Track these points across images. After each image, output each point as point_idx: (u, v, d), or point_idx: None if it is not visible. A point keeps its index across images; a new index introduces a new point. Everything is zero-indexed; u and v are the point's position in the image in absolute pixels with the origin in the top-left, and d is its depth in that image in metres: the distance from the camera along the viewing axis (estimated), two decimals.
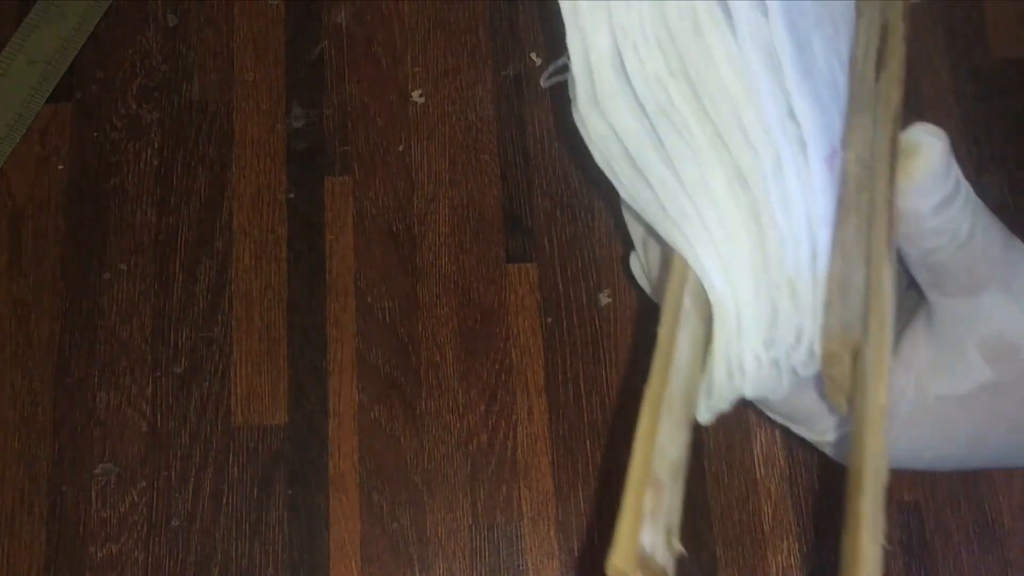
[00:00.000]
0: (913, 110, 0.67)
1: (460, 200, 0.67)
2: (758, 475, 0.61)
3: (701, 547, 0.61)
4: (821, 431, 0.37)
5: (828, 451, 0.38)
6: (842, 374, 0.28)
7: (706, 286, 0.30)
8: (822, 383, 0.29)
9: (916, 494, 0.61)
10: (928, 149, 0.30)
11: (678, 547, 0.26)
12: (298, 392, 0.64)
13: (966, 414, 0.32)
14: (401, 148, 0.68)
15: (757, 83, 0.28)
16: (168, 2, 0.71)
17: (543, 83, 0.35)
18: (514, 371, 0.64)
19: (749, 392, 0.30)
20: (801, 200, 0.29)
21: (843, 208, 0.30)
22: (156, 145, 0.68)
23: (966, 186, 0.31)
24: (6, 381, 0.64)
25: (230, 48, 0.70)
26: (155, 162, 0.68)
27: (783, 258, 0.29)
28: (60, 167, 0.68)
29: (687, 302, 0.29)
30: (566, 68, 0.31)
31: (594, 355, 0.64)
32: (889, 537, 0.29)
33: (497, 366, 0.64)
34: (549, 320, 0.64)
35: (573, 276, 0.65)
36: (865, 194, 0.30)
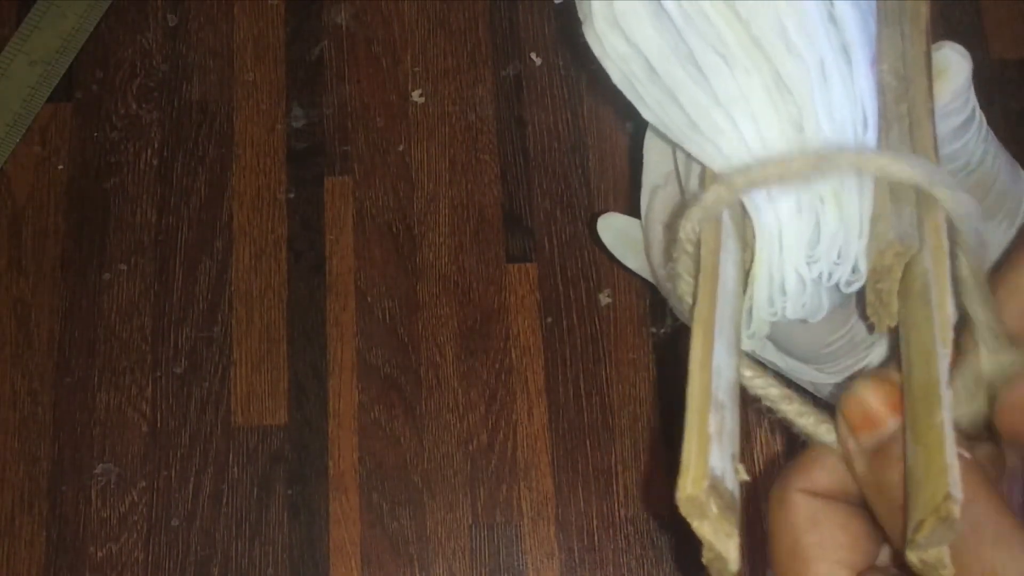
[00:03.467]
0: None
1: (460, 200, 0.67)
2: (758, 475, 0.61)
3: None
4: (835, 371, 0.37)
5: (825, 393, 0.37)
6: (890, 289, 0.27)
7: (746, 204, 0.28)
8: (859, 310, 0.28)
9: None
10: (956, 69, 0.30)
11: (743, 474, 0.25)
12: (298, 392, 0.64)
13: None
14: (401, 148, 0.68)
15: None
16: (168, 2, 0.71)
17: (555, 1, 0.33)
18: (514, 371, 0.64)
19: (791, 313, 0.29)
20: (847, 106, 0.28)
21: (884, 119, 0.28)
22: (156, 145, 0.68)
23: (980, 113, 0.31)
24: (6, 381, 0.64)
25: (230, 48, 0.70)
26: (155, 162, 0.68)
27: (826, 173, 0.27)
28: (60, 167, 0.68)
29: (727, 222, 0.27)
30: None
31: (594, 355, 0.64)
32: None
33: (497, 366, 0.64)
34: (549, 320, 0.64)
35: (573, 276, 0.65)
36: (903, 105, 0.28)
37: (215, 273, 0.66)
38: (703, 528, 0.24)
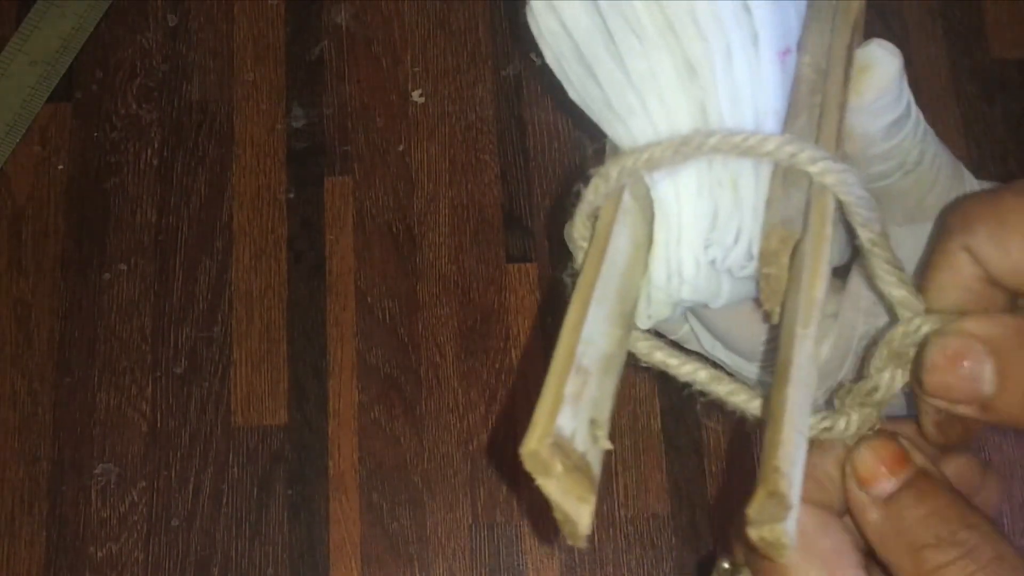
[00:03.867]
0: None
1: (460, 200, 0.67)
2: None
3: (701, 546, 0.61)
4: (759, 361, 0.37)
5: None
6: (779, 275, 0.27)
7: (648, 182, 0.29)
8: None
9: None
10: (881, 66, 0.30)
11: (606, 443, 0.25)
12: (298, 392, 0.64)
13: None
14: (401, 148, 0.68)
15: None
16: (168, 2, 0.71)
17: None
18: (514, 371, 0.64)
19: (688, 295, 0.29)
20: (750, 93, 0.28)
21: (793, 108, 0.29)
22: (156, 145, 0.68)
23: (917, 112, 0.31)
24: (6, 381, 0.64)
25: (230, 48, 0.70)
26: (155, 162, 0.68)
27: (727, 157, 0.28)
28: (60, 167, 0.68)
29: (628, 199, 0.28)
30: None
31: None
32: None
33: (497, 366, 0.64)
34: (549, 320, 0.64)
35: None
36: (817, 96, 0.29)
37: (215, 273, 0.66)
38: (548, 486, 0.24)
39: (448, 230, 0.66)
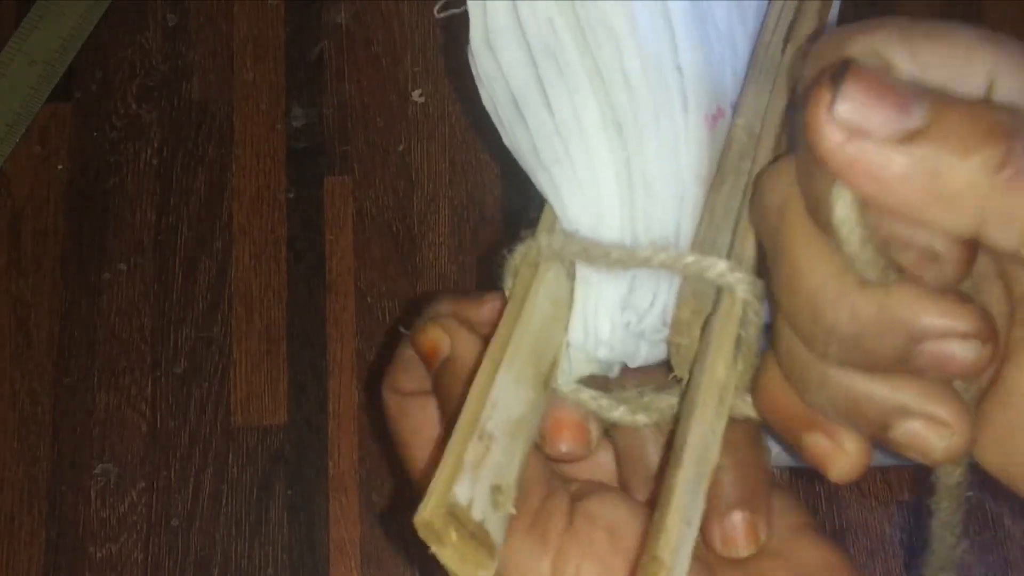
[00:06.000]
0: None
1: (460, 200, 0.67)
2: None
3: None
4: None
5: None
6: (689, 345, 0.28)
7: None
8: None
9: (916, 494, 0.61)
10: None
11: (509, 508, 0.25)
12: (298, 392, 0.64)
13: None
14: (401, 148, 0.68)
15: (641, 22, 0.27)
16: (168, 2, 0.71)
17: (436, 13, 0.34)
18: None
19: (605, 355, 0.29)
20: (674, 156, 0.28)
21: (720, 173, 0.29)
22: (156, 145, 0.68)
23: None
24: (6, 381, 0.64)
25: (230, 48, 0.70)
26: (155, 162, 0.68)
27: (650, 219, 0.28)
28: (60, 167, 0.68)
29: (551, 261, 0.28)
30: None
31: None
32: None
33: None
34: None
35: None
36: (746, 162, 0.29)
37: (215, 273, 0.66)
38: (443, 553, 0.24)
39: (448, 230, 0.66)
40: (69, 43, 0.70)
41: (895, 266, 0.21)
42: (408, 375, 0.33)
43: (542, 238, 0.29)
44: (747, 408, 0.27)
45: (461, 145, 0.68)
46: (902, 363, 0.22)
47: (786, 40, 0.31)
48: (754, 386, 0.27)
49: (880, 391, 0.23)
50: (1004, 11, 0.70)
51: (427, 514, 0.24)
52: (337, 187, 0.67)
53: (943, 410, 0.23)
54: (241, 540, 0.61)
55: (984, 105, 0.20)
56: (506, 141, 0.31)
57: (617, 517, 0.28)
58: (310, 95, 0.69)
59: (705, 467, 0.25)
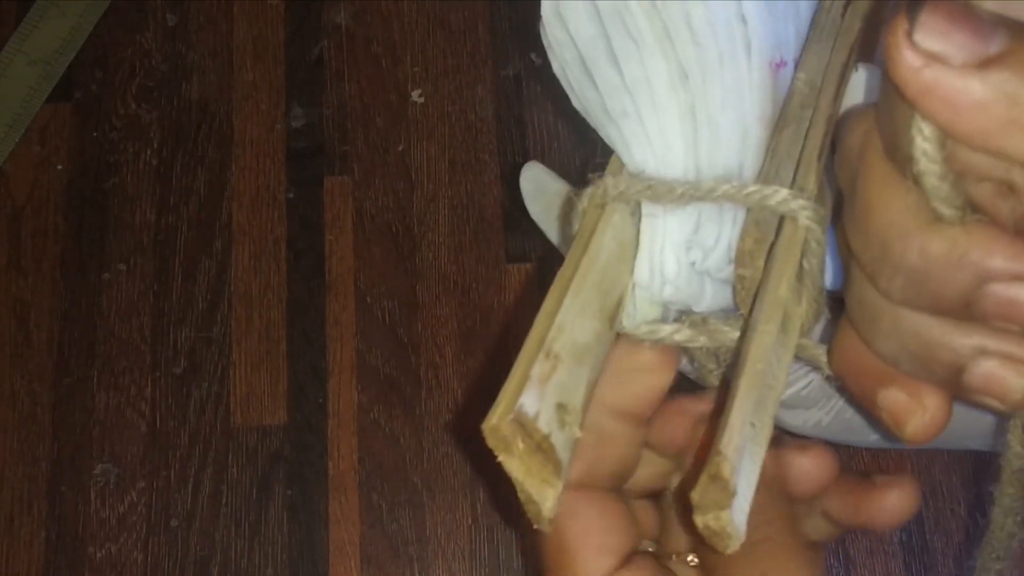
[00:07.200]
0: None
1: (460, 200, 0.67)
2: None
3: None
4: (827, 410, 0.38)
5: (827, 433, 0.38)
6: (752, 276, 0.28)
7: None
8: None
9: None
10: (860, 79, 0.32)
11: (575, 430, 0.26)
12: (298, 392, 0.64)
13: None
14: (401, 148, 0.68)
15: None
16: (168, 2, 0.71)
17: None
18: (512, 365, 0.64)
19: (670, 295, 0.30)
20: (737, 99, 0.29)
21: (783, 119, 0.30)
22: (155, 145, 0.68)
23: None
24: (6, 381, 0.64)
25: (230, 48, 0.70)
26: (155, 162, 0.68)
27: (713, 158, 0.29)
28: (60, 167, 0.68)
29: (617, 201, 0.29)
30: None
31: None
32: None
33: (497, 366, 0.64)
34: None
35: None
36: (808, 110, 0.30)
37: (215, 273, 0.66)
38: (510, 463, 0.25)
39: (448, 230, 0.66)
40: (69, 43, 0.70)
41: (970, 204, 0.21)
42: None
43: (608, 180, 0.29)
44: (823, 360, 0.28)
45: (461, 145, 0.68)
46: (966, 306, 0.21)
47: (847, 3, 0.33)
48: (831, 347, 0.27)
49: (953, 331, 0.22)
50: None
51: (495, 420, 0.25)
52: (337, 187, 0.67)
53: (1021, 349, 0.22)
54: (241, 540, 0.61)
55: None
56: (574, 102, 0.32)
57: None
58: (310, 95, 0.69)
59: (769, 390, 0.25)
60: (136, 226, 0.67)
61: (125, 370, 0.64)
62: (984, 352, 0.22)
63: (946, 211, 0.21)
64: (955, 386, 0.23)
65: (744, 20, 0.29)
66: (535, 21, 0.32)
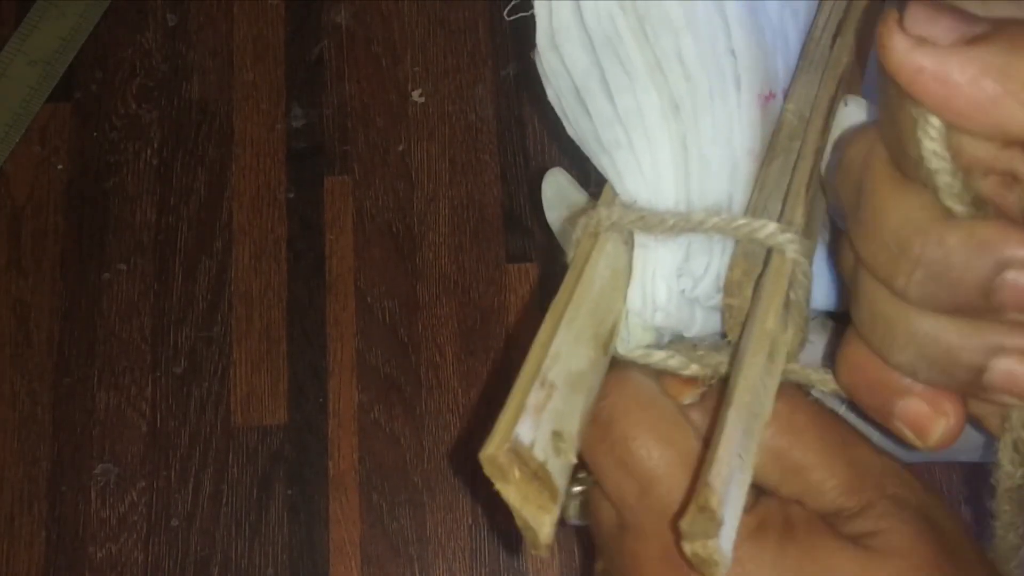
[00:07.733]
0: None
1: (460, 200, 0.67)
2: None
3: None
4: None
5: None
6: (740, 305, 0.29)
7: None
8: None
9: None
10: (847, 118, 0.32)
11: (570, 456, 0.26)
12: (298, 392, 0.64)
13: None
14: (401, 148, 0.68)
15: (697, 13, 0.30)
16: (168, 2, 0.71)
17: (505, 15, 0.36)
18: (514, 371, 0.64)
19: (661, 322, 0.31)
20: (727, 133, 0.30)
21: (771, 150, 0.31)
22: (156, 145, 0.68)
23: None
24: (6, 381, 0.64)
25: (230, 48, 0.70)
26: (155, 162, 0.68)
27: (704, 189, 0.30)
28: (60, 167, 0.68)
29: (612, 233, 0.30)
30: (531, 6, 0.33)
31: None
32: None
33: (497, 366, 0.64)
34: None
35: None
36: (796, 142, 0.31)
37: (215, 273, 0.66)
38: (507, 491, 0.25)
39: (448, 230, 0.66)
40: (69, 43, 0.70)
41: (979, 199, 0.22)
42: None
43: (602, 211, 0.30)
44: (829, 382, 0.28)
45: (461, 145, 0.68)
46: (984, 296, 0.22)
47: (835, 36, 0.33)
48: (837, 361, 0.27)
49: (971, 332, 0.22)
50: None
51: (492, 449, 0.25)
52: (337, 187, 0.67)
53: None
54: (241, 540, 0.61)
55: None
56: (569, 131, 0.32)
57: None
58: (310, 95, 0.69)
59: (755, 419, 0.26)
60: (136, 226, 0.67)
61: (125, 370, 0.64)
62: (1003, 350, 0.22)
63: (958, 207, 0.22)
64: (976, 387, 0.23)
65: (734, 54, 0.30)
66: (535, 21, 0.33)
